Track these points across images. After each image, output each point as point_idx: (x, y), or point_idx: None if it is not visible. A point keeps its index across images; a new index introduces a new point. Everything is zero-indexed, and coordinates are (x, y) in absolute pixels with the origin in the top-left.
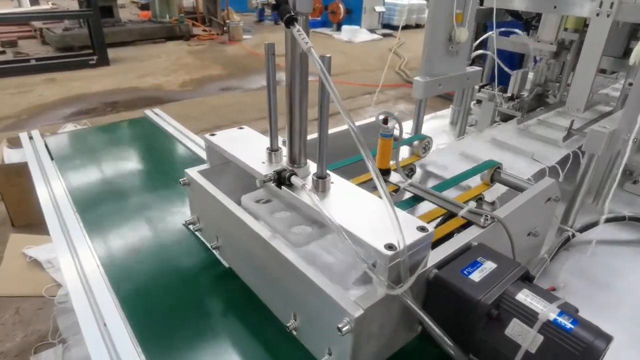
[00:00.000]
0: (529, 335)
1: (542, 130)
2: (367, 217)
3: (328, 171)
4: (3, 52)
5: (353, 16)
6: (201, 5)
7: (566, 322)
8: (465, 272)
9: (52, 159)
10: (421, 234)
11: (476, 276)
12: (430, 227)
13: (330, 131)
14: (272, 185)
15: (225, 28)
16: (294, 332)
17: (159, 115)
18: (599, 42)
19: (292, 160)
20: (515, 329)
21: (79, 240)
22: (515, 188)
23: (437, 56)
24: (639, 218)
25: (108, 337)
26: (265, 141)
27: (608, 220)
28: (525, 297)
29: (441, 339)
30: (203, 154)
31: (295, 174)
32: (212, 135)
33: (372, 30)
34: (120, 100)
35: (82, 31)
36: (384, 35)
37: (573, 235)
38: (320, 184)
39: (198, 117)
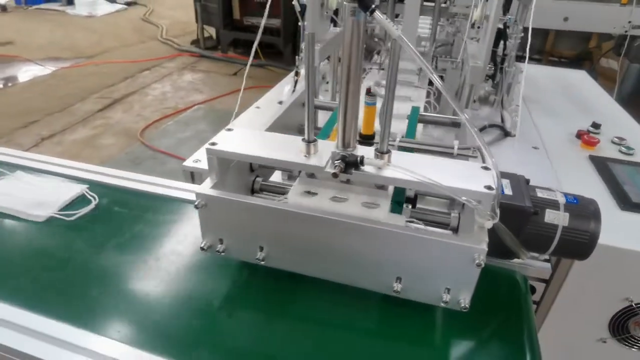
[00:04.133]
0: (560, 216)
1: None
2: (444, 172)
3: None
4: None
5: None
6: None
7: (572, 199)
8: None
9: None
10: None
11: (509, 191)
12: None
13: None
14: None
15: None
16: (397, 294)
17: None
18: None
19: (346, 144)
20: (550, 216)
21: None
22: (435, 123)
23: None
24: (495, 125)
25: None
26: (272, 135)
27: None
28: (542, 194)
29: (515, 242)
30: None
31: (363, 157)
32: (213, 144)
33: (112, 0)
34: None
35: None
36: (128, 4)
37: None
38: (387, 158)
39: None
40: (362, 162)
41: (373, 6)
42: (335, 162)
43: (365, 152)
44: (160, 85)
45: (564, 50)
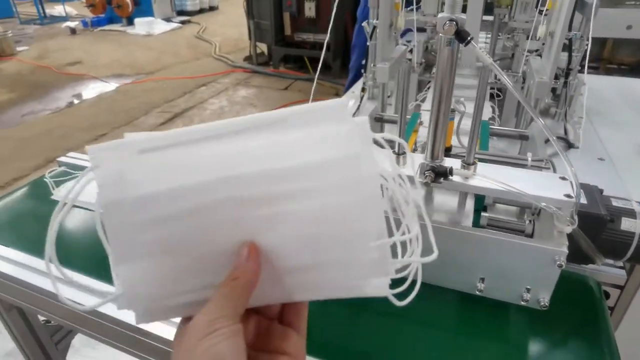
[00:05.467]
0: (637, 224)
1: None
2: (524, 182)
3: None
4: None
5: (142, 7)
6: None
7: None
8: None
9: None
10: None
11: (583, 199)
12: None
13: None
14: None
15: None
16: (480, 293)
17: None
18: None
19: (434, 156)
20: (626, 224)
21: None
22: (503, 136)
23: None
24: (559, 137)
25: None
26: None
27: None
28: (616, 202)
29: (591, 247)
30: None
31: (452, 168)
32: None
33: (168, 19)
34: None
35: None
36: (183, 22)
37: None
38: (473, 169)
39: (17, 156)
40: (451, 173)
41: (469, 38)
42: (426, 172)
43: (452, 163)
44: (217, 100)
45: (624, 57)
